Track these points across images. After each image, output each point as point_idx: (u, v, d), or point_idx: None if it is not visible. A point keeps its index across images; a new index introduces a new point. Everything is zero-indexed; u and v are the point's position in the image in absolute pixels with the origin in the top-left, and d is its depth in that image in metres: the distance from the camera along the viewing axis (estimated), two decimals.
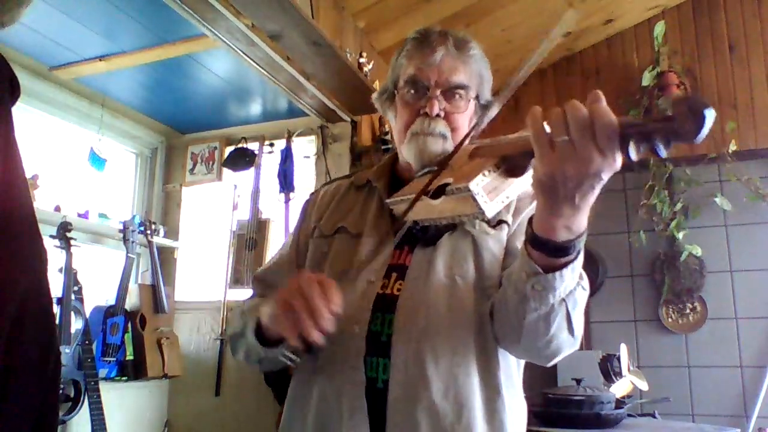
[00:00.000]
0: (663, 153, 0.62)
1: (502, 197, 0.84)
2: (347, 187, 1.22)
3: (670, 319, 3.15)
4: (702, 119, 0.58)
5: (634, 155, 0.65)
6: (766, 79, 3.19)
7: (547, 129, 0.69)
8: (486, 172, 0.82)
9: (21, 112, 2.56)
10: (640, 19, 3.42)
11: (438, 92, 1.05)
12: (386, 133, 2.96)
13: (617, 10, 3.25)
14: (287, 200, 2.92)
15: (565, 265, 0.81)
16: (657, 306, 3.18)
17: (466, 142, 0.92)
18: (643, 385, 2.47)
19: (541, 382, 3.13)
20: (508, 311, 0.93)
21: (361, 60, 2.70)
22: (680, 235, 3.13)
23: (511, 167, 0.84)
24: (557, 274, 0.82)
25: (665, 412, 2.75)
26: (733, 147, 3.03)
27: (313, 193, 1.28)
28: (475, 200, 0.81)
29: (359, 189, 1.20)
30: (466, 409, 0.98)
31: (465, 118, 1.08)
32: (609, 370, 2.43)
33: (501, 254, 1.06)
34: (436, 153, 1.04)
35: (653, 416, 2.59)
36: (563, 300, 0.86)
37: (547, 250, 0.80)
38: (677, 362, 3.11)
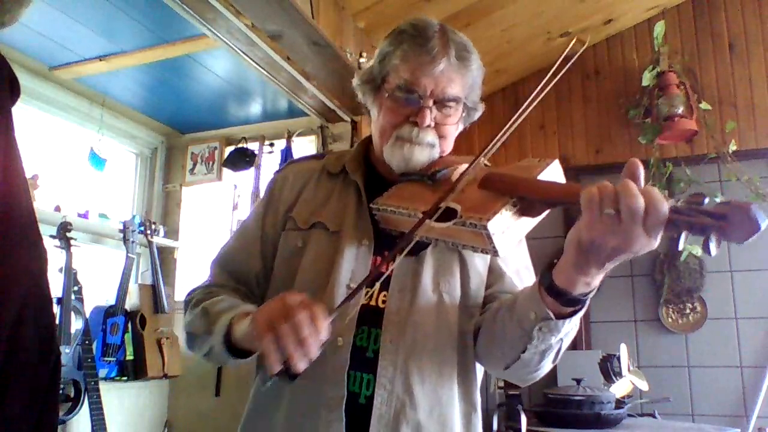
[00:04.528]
0: (713, 252, 0.64)
1: (515, 236, 0.86)
2: (319, 173, 1.14)
3: (670, 319, 3.15)
4: (757, 229, 0.60)
5: (682, 245, 0.67)
6: (766, 78, 3.19)
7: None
8: (503, 211, 0.82)
9: (21, 112, 2.56)
10: (640, 19, 3.42)
11: (431, 102, 1.01)
12: None
13: (617, 10, 3.25)
14: None
15: (574, 313, 0.84)
16: (657, 306, 3.18)
17: (469, 170, 0.92)
18: (643, 385, 2.47)
19: (541, 382, 3.13)
20: (504, 342, 0.94)
21: (361, 60, 2.69)
22: None
23: (527, 208, 0.84)
24: (566, 320, 0.84)
25: (665, 412, 2.75)
26: (733, 147, 3.03)
27: (277, 172, 1.19)
28: (490, 239, 0.82)
29: (332, 176, 1.13)
30: (448, 428, 1.00)
31: (453, 127, 1.07)
32: (609, 370, 2.43)
33: (486, 274, 1.07)
34: (422, 162, 1.02)
35: (653, 416, 2.59)
36: (561, 339, 0.89)
37: (562, 300, 0.82)
38: (677, 362, 3.10)
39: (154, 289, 2.86)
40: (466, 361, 1.03)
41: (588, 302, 0.84)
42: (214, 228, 3.21)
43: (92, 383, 2.34)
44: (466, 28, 2.89)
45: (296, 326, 0.77)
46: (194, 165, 3.34)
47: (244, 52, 2.22)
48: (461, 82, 1.03)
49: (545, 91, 0.87)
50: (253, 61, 2.28)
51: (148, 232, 2.92)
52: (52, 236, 2.33)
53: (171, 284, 3.14)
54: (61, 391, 2.28)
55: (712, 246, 0.63)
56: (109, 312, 2.66)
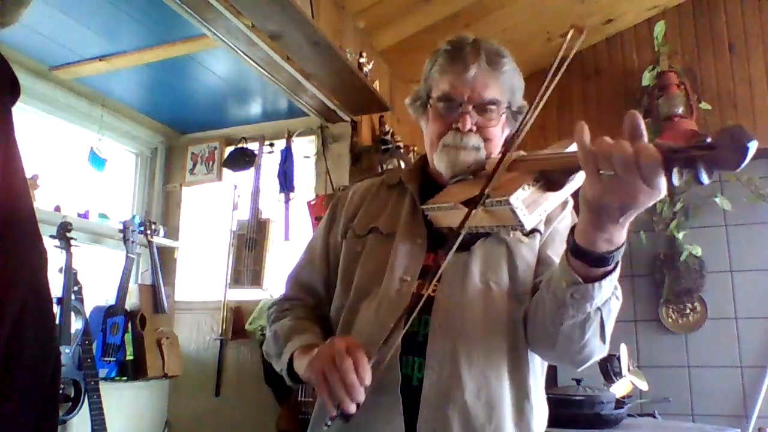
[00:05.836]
0: (705, 180, 0.63)
1: (541, 210, 0.87)
2: (378, 186, 1.24)
3: (670, 319, 3.15)
4: (745, 150, 0.59)
5: (676, 181, 0.66)
6: (766, 78, 3.19)
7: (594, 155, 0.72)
8: (525, 186, 0.85)
9: (21, 112, 2.56)
10: (640, 19, 3.42)
11: (470, 107, 1.07)
12: (386, 133, 2.95)
13: (617, 10, 3.25)
14: (287, 200, 2.92)
15: (604, 275, 0.84)
16: (657, 306, 3.18)
17: (509, 154, 0.94)
18: (643, 385, 2.47)
19: None
20: (544, 317, 0.95)
21: (361, 60, 2.70)
22: (680, 235, 3.13)
23: (549, 182, 0.86)
24: (596, 284, 0.84)
25: (665, 412, 2.75)
26: None
27: (342, 190, 1.31)
28: (514, 213, 0.84)
29: (390, 188, 1.22)
30: (496, 411, 1.02)
31: (497, 129, 1.11)
32: (609, 370, 2.43)
33: (534, 262, 1.10)
34: (468, 165, 1.07)
35: (653, 416, 2.59)
36: (599, 308, 0.89)
37: (587, 261, 0.83)
38: (677, 362, 3.11)
39: (154, 289, 2.86)
40: (516, 348, 1.06)
41: (618, 264, 0.84)
42: (214, 228, 3.22)
43: (92, 383, 2.34)
44: (466, 28, 2.89)
45: (344, 376, 0.88)
46: (194, 165, 3.34)
47: (244, 52, 2.22)
48: (496, 85, 1.09)
49: (561, 72, 0.88)
50: (253, 61, 2.28)
51: (148, 232, 2.92)
52: (52, 236, 2.33)
53: (171, 284, 3.14)
54: (61, 391, 2.28)
55: (703, 176, 0.62)
56: (109, 312, 2.66)
